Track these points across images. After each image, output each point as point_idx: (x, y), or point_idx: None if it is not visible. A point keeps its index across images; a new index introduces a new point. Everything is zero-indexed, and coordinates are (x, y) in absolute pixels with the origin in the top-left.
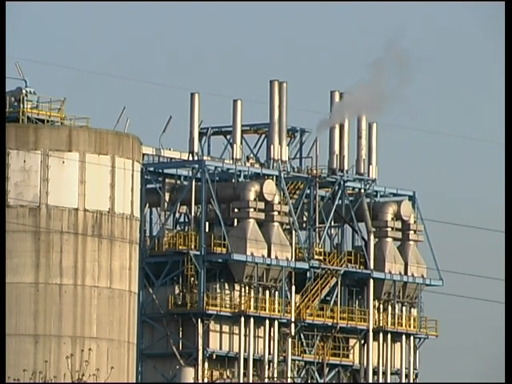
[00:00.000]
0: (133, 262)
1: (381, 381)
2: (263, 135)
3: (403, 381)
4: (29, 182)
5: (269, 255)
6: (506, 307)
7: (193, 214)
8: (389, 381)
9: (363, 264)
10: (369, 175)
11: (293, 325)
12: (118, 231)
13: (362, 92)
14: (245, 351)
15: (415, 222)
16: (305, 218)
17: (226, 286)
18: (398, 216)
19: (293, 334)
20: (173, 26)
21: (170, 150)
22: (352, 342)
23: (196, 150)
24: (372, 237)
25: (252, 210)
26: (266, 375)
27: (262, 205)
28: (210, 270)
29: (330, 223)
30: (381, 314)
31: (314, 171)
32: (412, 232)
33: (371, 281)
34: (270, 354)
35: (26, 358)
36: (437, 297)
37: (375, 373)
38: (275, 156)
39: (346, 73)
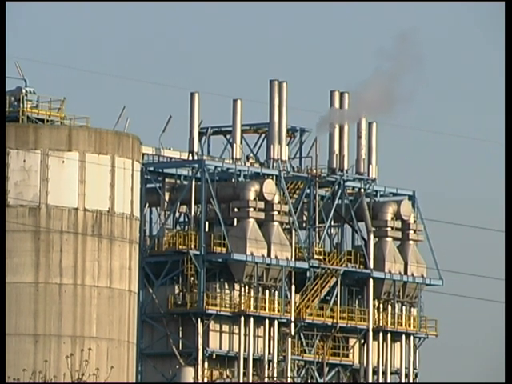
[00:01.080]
0: (133, 261)
1: (380, 380)
2: (263, 135)
3: (403, 380)
4: (29, 181)
5: (268, 255)
6: (505, 307)
7: (193, 213)
8: (389, 380)
9: (363, 264)
10: (369, 175)
11: (292, 324)
12: (118, 231)
13: (375, 92)
14: (245, 351)
15: (415, 221)
16: (305, 218)
17: (226, 286)
18: (397, 216)
19: (292, 333)
20: (173, 26)
21: (169, 149)
22: (352, 341)
23: (196, 149)
24: (372, 236)
25: (252, 209)
26: (266, 375)
27: (261, 204)
28: (209, 269)
29: (330, 223)
30: (380, 314)
31: (314, 171)
32: (412, 232)
33: (371, 280)
34: (269, 353)
35: (25, 358)
36: (437, 296)
37: (375, 372)
38: (275, 156)
39: (346, 72)
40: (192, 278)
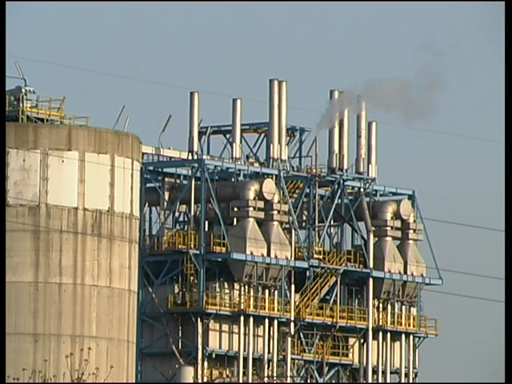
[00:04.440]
0: (132, 261)
1: (380, 380)
2: (263, 134)
3: (403, 380)
4: (28, 181)
5: (268, 254)
6: (505, 306)
7: (192, 213)
8: (388, 380)
9: (363, 263)
10: (368, 174)
11: (292, 324)
12: (118, 230)
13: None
14: (244, 350)
15: (415, 221)
16: (304, 217)
17: (226, 285)
18: (397, 215)
19: (292, 333)
20: (172, 26)
21: (169, 148)
22: (351, 341)
23: (195, 149)
24: (371, 236)
25: (251, 209)
26: (266, 374)
27: (261, 204)
28: (209, 269)
29: (330, 222)
30: (380, 313)
31: (314, 170)
32: (411, 231)
33: (371, 280)
34: (269, 353)
35: (25, 357)
36: (436, 296)
37: (375, 372)
38: (275, 155)
39: (346, 72)
40: (192, 278)
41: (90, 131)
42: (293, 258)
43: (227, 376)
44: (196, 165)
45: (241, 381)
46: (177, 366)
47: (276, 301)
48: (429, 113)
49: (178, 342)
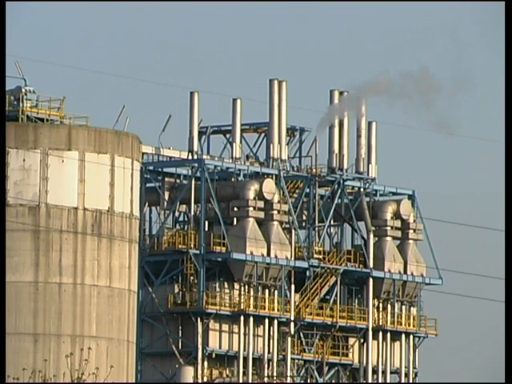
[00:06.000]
0: (132, 260)
1: (380, 380)
2: (263, 134)
3: (403, 380)
4: (28, 180)
5: (268, 254)
6: (505, 306)
7: (192, 212)
8: (388, 380)
9: (363, 263)
10: (368, 174)
11: (292, 324)
12: (118, 230)
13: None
14: (244, 350)
15: (415, 220)
16: (304, 217)
17: (226, 285)
18: (397, 215)
19: (292, 332)
20: (172, 25)
21: (169, 148)
22: (351, 340)
23: (195, 148)
24: (371, 236)
25: (251, 208)
26: (266, 374)
27: (261, 204)
28: (209, 268)
29: (330, 222)
30: (380, 313)
31: (314, 170)
32: (411, 231)
33: (371, 280)
34: (269, 352)
35: (25, 357)
36: (436, 296)
37: (374, 372)
38: (275, 155)
39: (346, 72)
40: (192, 278)
41: (89, 131)
42: (293, 258)
43: (227, 376)
44: (196, 165)
45: (241, 381)
46: (177, 365)
47: (276, 301)
48: (454, 127)
49: (178, 342)
